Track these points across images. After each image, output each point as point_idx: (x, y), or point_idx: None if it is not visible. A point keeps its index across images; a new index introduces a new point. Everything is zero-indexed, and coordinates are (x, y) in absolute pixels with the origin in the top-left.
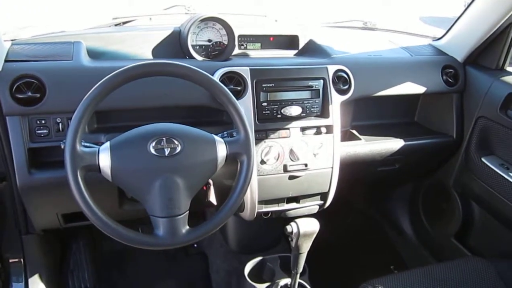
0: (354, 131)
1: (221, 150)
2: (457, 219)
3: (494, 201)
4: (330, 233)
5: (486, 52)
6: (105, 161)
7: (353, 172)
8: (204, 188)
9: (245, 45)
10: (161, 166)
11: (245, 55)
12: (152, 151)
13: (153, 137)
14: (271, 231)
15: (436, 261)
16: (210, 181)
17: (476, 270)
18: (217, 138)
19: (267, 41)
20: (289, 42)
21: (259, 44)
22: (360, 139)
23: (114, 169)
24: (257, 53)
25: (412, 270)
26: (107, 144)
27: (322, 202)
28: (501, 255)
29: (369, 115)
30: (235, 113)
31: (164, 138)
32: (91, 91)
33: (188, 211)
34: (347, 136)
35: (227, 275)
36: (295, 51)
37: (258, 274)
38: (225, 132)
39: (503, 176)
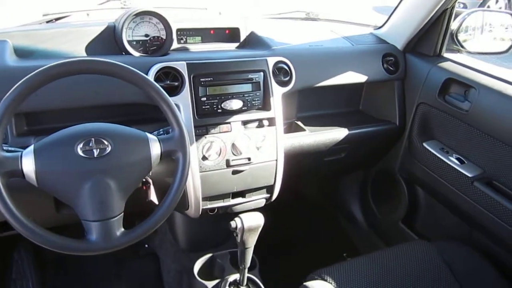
0: (299, 123)
1: (155, 148)
2: (403, 204)
3: (436, 185)
4: (282, 225)
5: (424, 40)
6: (28, 165)
7: (300, 163)
8: (144, 187)
9: (184, 39)
10: (90, 168)
11: (185, 49)
12: (80, 152)
13: (80, 138)
14: (220, 227)
15: (385, 246)
16: (150, 180)
17: (420, 253)
18: (150, 136)
19: (207, 35)
20: (230, 35)
21: (199, 38)
22: (305, 130)
23: (39, 173)
24: (197, 47)
25: (359, 257)
26: (31, 147)
27: (268, 195)
28: (444, 237)
29: (314, 105)
30: (167, 109)
31: (92, 139)
32: (9, 92)
33: (122, 213)
34: (292, 128)
35: (178, 274)
36: (237, 44)
37: (208, 271)
38: (161, 130)
39: (443, 160)
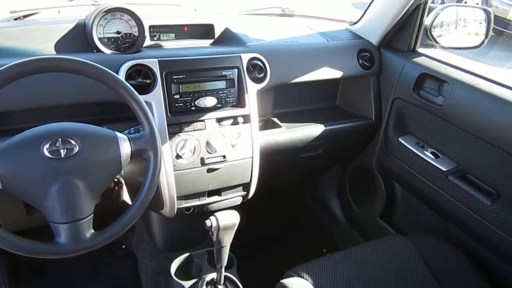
0: (275, 119)
1: (125, 148)
2: (381, 199)
3: (412, 180)
4: (261, 223)
5: (398, 35)
6: None
7: (276, 160)
8: (116, 188)
9: (158, 36)
10: (57, 169)
11: (158, 46)
12: (46, 153)
13: (46, 138)
14: (197, 226)
15: (364, 242)
16: (122, 180)
17: (396, 248)
18: (120, 135)
19: (181, 31)
20: (205, 31)
21: (173, 35)
22: (281, 126)
23: (3, 176)
24: (171, 44)
25: (337, 253)
26: None
27: (245, 193)
28: (422, 231)
29: (291, 102)
30: (137, 107)
31: (59, 139)
32: None
33: (92, 215)
34: (268, 125)
35: (156, 274)
36: (211, 41)
37: (186, 270)
38: (132, 129)
39: (418, 155)
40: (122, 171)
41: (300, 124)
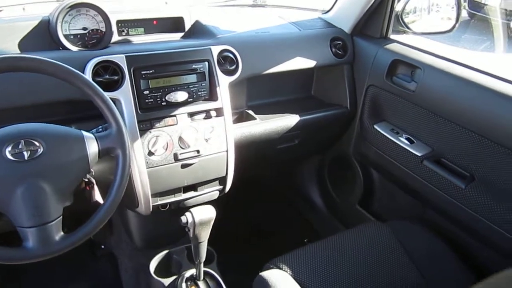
0: (250, 111)
1: (92, 147)
2: (359, 186)
3: (388, 166)
4: (242, 215)
5: (370, 22)
6: None
7: (253, 152)
8: (88, 188)
9: (126, 31)
10: (21, 172)
11: (127, 42)
12: (9, 156)
13: (8, 141)
14: (175, 223)
15: (345, 229)
16: (93, 180)
17: (374, 234)
18: (86, 134)
19: (150, 25)
20: (174, 24)
21: (142, 29)
22: (255, 119)
23: None
24: (140, 39)
25: (315, 242)
26: None
27: (221, 187)
28: (400, 217)
29: (265, 93)
30: (102, 105)
31: (22, 141)
32: None
33: (61, 217)
34: (243, 117)
35: (135, 273)
36: (182, 34)
37: (165, 268)
38: (100, 127)
39: (393, 141)
40: (92, 170)
41: (275, 115)
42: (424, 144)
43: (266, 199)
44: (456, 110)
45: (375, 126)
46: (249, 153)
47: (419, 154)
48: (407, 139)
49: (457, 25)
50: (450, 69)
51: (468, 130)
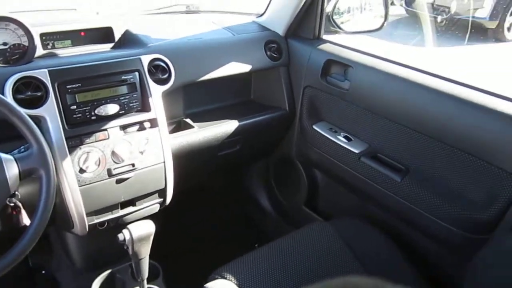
0: (187, 120)
1: (11, 169)
2: (303, 187)
3: (329, 165)
4: (189, 226)
5: (303, 24)
6: None
7: (194, 161)
8: (14, 212)
9: (52, 44)
10: None
11: (53, 55)
12: None
13: None
14: (116, 240)
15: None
16: (19, 204)
17: (319, 234)
18: (4, 156)
19: (78, 37)
20: (103, 35)
21: (69, 41)
22: (193, 127)
23: None
24: (67, 51)
25: (261, 247)
26: None
27: (161, 199)
28: (344, 215)
29: (203, 100)
30: (20, 124)
31: None
32: None
33: None
34: (181, 126)
35: None
36: (112, 44)
37: None
38: (22, 147)
39: (332, 140)
40: (18, 193)
41: (214, 122)
42: (361, 141)
43: (212, 206)
44: (387, 105)
45: (314, 127)
46: (190, 162)
47: (356, 151)
48: (345, 137)
49: (385, 23)
50: (379, 66)
51: (400, 124)
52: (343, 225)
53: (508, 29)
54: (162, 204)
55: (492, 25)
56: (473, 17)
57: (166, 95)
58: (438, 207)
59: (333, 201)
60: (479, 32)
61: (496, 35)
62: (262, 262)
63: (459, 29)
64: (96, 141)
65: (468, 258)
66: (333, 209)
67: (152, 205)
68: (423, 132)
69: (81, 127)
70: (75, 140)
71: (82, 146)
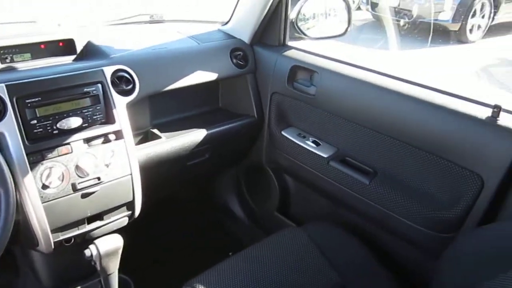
0: (155, 131)
1: None
2: (275, 193)
3: (299, 171)
4: (161, 237)
5: (268, 31)
6: None
7: (163, 172)
8: None
9: (10, 58)
10: None
11: (11, 69)
12: None
13: None
14: (84, 256)
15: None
16: None
17: (291, 240)
18: None
19: (38, 50)
20: (65, 47)
21: (28, 55)
22: (160, 137)
23: None
24: (26, 65)
25: (233, 256)
26: None
27: (130, 212)
28: (316, 219)
29: (171, 110)
30: None
31: None
32: None
33: None
34: (148, 137)
35: None
36: (73, 56)
37: None
38: None
39: (301, 145)
40: None
41: (182, 132)
42: (330, 145)
43: (184, 216)
44: (353, 109)
45: (283, 133)
46: (159, 173)
47: (325, 156)
48: (313, 142)
49: (349, 28)
50: (344, 71)
51: (366, 127)
52: (314, 230)
53: (470, 30)
54: (131, 217)
55: (455, 27)
56: (436, 20)
57: (132, 106)
58: (406, 208)
59: (305, 206)
60: (442, 34)
61: (458, 37)
62: (236, 272)
63: (423, 31)
64: (59, 156)
65: (437, 257)
66: (305, 214)
67: (121, 219)
68: (389, 135)
69: (42, 142)
70: (36, 156)
71: (44, 162)
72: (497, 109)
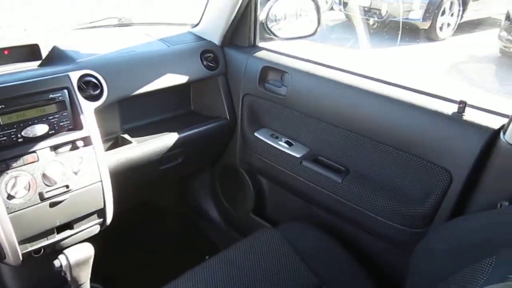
0: (125, 136)
1: None
2: (250, 195)
3: (273, 171)
4: (136, 244)
5: (238, 32)
6: None
7: (135, 177)
8: None
9: None
10: None
11: None
12: None
13: None
14: (53, 267)
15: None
16: None
17: (267, 241)
18: None
19: (1, 56)
20: (29, 52)
21: None
22: (131, 142)
23: None
24: None
25: (208, 260)
26: None
27: (101, 220)
28: (291, 219)
29: (141, 114)
30: None
31: None
32: None
33: None
34: (119, 142)
35: None
36: (39, 62)
37: None
38: None
39: (274, 146)
40: None
41: (154, 136)
42: (302, 145)
43: (159, 220)
44: (324, 109)
45: (256, 134)
46: (131, 178)
47: (298, 156)
48: (286, 142)
49: (318, 28)
50: (314, 71)
51: (337, 126)
52: (290, 230)
53: (440, 28)
54: (102, 224)
55: (425, 25)
56: (407, 18)
57: (100, 111)
58: (378, 205)
59: (280, 207)
60: (411, 32)
61: (429, 35)
62: (212, 276)
63: (392, 30)
64: (24, 165)
65: (410, 253)
66: (281, 215)
67: (92, 227)
68: (358, 132)
69: (6, 150)
70: (0, 165)
71: (9, 171)
72: (462, 105)
